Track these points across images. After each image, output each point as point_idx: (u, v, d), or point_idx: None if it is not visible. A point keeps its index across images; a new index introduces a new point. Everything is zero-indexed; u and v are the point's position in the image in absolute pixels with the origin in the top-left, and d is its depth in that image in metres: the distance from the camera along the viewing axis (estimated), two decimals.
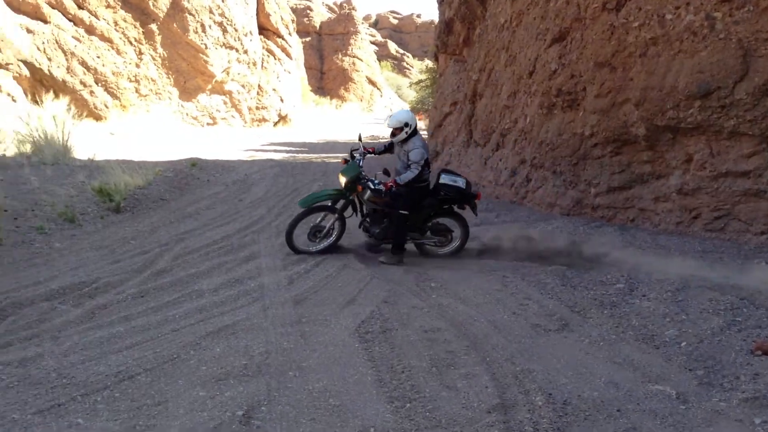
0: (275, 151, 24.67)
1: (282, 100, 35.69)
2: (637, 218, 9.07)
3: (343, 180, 8.29)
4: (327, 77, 59.58)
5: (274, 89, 35.16)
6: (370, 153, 8.67)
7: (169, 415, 4.02)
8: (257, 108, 34.09)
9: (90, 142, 18.83)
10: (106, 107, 26.68)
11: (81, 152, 16.37)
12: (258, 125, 33.43)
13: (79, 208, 10.91)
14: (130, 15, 27.77)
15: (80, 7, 26.51)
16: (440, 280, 7.29)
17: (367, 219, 8.47)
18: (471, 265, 8.06)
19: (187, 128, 29.33)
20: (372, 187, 8.19)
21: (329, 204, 8.35)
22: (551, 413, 4.01)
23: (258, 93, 34.18)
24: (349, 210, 8.47)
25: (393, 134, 8.29)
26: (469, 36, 17.06)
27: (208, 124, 31.03)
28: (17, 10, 25.03)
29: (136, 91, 28.10)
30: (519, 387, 4.41)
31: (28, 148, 15.98)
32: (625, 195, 9.28)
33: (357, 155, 8.57)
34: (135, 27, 27.97)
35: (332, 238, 8.33)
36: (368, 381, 4.52)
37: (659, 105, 8.23)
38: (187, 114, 30.19)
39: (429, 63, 32.45)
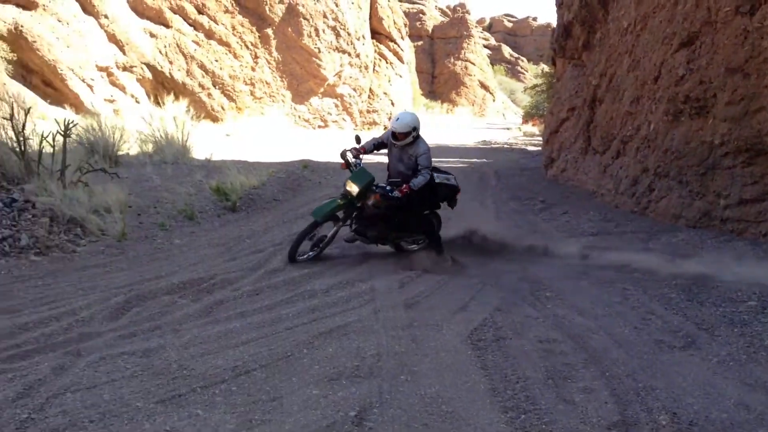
0: (384, 154, 24.88)
1: (393, 104, 36.06)
2: None
3: (354, 188, 7.99)
4: (438, 81, 59.72)
5: (385, 93, 35.60)
6: (362, 153, 8.38)
7: (283, 412, 4.15)
8: (368, 111, 34.62)
9: (207, 143, 19.75)
10: (223, 109, 27.93)
11: (199, 152, 17.22)
12: (368, 128, 33.94)
13: (198, 206, 11.48)
14: (247, 20, 28.95)
15: (200, 12, 27.88)
16: (555, 289, 7.15)
17: (361, 221, 8.25)
18: (589, 274, 7.87)
19: (299, 130, 30.19)
20: (388, 194, 7.92)
21: (341, 214, 8.22)
22: None
23: (369, 96, 34.70)
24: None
25: (396, 137, 8.05)
26: (588, 40, 16.64)
27: (319, 126, 31.84)
28: (141, 14, 26.63)
29: (251, 93, 29.24)
30: (641, 404, 4.30)
31: (150, 147, 17.00)
32: (758, 208, 8.77)
33: (352, 158, 8.23)
34: (251, 31, 29.13)
35: (323, 245, 8.26)
36: (481, 389, 4.49)
37: None
38: (299, 116, 31.11)
39: (545, 67, 31.89)
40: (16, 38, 23.00)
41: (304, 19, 30.02)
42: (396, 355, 5.06)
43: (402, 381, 4.59)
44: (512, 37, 79.15)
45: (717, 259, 7.92)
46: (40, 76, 24.18)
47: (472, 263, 8.33)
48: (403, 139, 8.03)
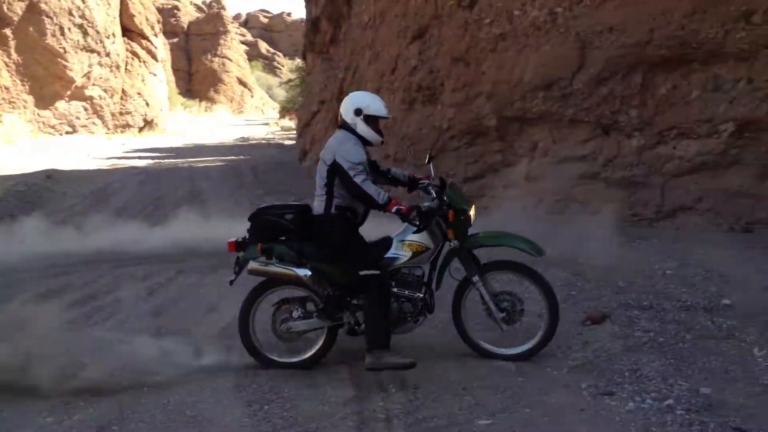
0: (139, 158, 23.57)
1: (148, 105, 34.29)
2: (489, 206, 9.48)
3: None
4: (196, 79, 57.97)
5: (138, 93, 33.74)
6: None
7: None
8: (121, 113, 32.51)
9: None
10: None
11: None
12: (122, 132, 31.88)
13: None
14: None
15: None
16: None
17: None
18: None
19: (44, 138, 27.55)
20: None
21: None
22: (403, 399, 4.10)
23: (122, 98, 32.64)
24: None
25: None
26: (335, 34, 17.14)
27: (67, 132, 29.26)
28: None
29: None
30: (375, 378, 4.42)
31: None
32: (479, 184, 9.66)
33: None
34: None
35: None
36: (226, 388, 4.43)
37: (508, 97, 8.65)
38: (44, 123, 28.39)
39: (299, 62, 32.33)
40: None
41: (48, 17, 27.36)
42: (140, 366, 4.73)
43: (144, 393, 4.37)
44: (268, 32, 79.10)
45: None
46: None
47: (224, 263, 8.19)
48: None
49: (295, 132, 26.29)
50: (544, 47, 8.23)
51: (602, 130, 8.14)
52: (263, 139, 32.72)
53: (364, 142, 4.57)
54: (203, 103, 52.72)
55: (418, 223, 4.38)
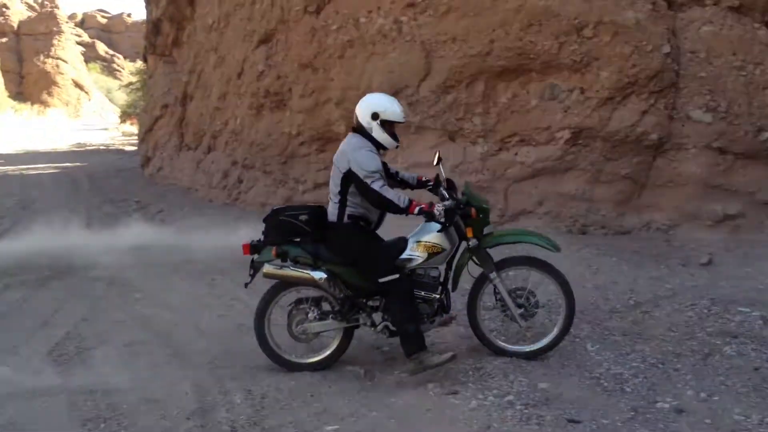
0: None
1: None
2: None
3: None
4: (27, 81, 53.93)
5: None
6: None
7: None
8: None
9: None
10: None
11: None
12: None
13: None
14: None
15: None
16: (146, 290, 7.08)
17: None
18: (180, 269, 7.84)
19: None
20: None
21: None
22: (249, 409, 4.03)
23: None
24: None
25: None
26: (178, 37, 16.47)
27: None
28: None
29: None
30: (219, 388, 4.35)
31: None
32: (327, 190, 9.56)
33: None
34: None
35: None
36: (61, 406, 4.21)
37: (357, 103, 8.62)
38: None
39: (141, 64, 30.88)
40: None
41: None
42: None
43: None
44: (107, 33, 75.05)
45: None
46: None
47: (53, 277, 7.79)
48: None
49: (136, 137, 25.05)
50: (391, 55, 8.30)
51: (448, 137, 8.33)
52: (102, 144, 31.24)
53: (378, 146, 4.42)
54: (36, 107, 49.08)
55: (443, 220, 4.25)
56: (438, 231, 4.35)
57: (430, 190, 4.72)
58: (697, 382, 4.09)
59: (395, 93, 8.21)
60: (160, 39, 17.57)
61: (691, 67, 7.41)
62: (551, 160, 7.94)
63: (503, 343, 4.62)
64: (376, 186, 4.23)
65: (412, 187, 4.85)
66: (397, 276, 4.28)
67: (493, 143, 8.15)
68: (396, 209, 4.27)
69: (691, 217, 7.42)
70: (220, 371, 4.65)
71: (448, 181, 4.66)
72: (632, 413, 3.73)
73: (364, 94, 8.38)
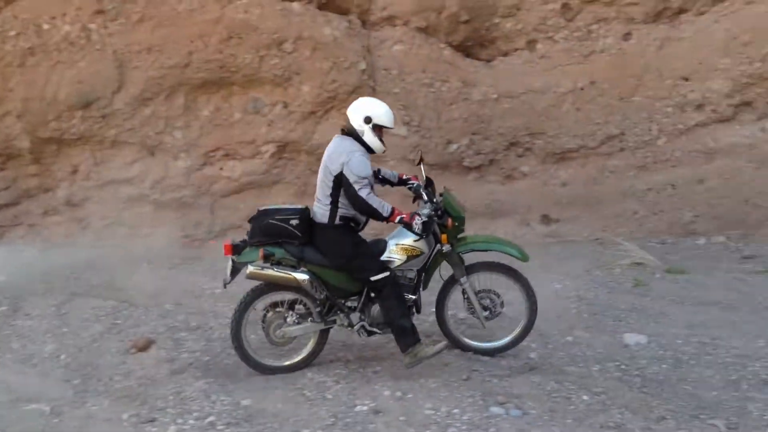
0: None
1: None
2: (28, 235, 8.44)
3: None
4: None
5: None
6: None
7: None
8: None
9: None
10: None
11: None
12: None
13: None
14: None
15: None
16: None
17: None
18: None
19: None
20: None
21: None
22: None
23: None
24: None
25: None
26: None
27: None
28: None
29: None
30: None
31: None
32: (14, 211, 8.51)
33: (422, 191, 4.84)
34: None
35: None
36: None
37: (42, 116, 7.86)
38: None
39: None
40: None
41: None
42: None
43: None
44: None
45: None
46: None
47: None
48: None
49: None
50: (80, 64, 7.66)
51: (148, 151, 7.92)
52: None
53: (368, 149, 4.43)
54: None
55: (420, 232, 4.35)
56: (414, 240, 4.52)
57: (409, 188, 4.77)
58: (393, 382, 4.26)
59: (86, 105, 7.64)
60: None
61: (386, 83, 7.92)
62: (257, 174, 7.93)
63: (468, 340, 4.83)
64: (363, 193, 4.28)
65: (392, 184, 4.89)
66: (388, 274, 4.37)
67: (196, 157, 7.93)
68: (379, 217, 4.36)
69: None
70: None
71: (427, 179, 4.76)
72: (333, 419, 3.80)
73: (50, 106, 7.76)
